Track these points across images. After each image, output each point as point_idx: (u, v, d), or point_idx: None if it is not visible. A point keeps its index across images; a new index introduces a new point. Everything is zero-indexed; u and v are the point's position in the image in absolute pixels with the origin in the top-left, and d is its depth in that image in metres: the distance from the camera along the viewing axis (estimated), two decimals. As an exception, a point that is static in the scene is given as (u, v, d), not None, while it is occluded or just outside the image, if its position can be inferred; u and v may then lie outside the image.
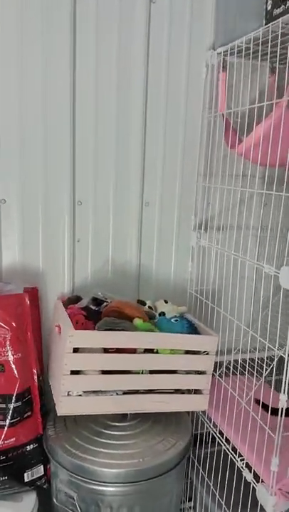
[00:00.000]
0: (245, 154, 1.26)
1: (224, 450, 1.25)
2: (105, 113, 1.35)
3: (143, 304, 1.43)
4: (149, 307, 1.42)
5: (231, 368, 1.43)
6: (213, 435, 1.36)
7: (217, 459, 1.33)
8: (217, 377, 1.39)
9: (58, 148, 1.32)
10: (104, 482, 1.10)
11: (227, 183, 1.40)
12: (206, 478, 1.38)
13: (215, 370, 1.33)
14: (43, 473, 1.26)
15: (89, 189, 1.38)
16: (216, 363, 1.33)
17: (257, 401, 1.33)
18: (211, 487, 1.34)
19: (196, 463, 1.45)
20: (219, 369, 1.41)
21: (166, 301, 1.44)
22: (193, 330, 1.30)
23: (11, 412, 1.18)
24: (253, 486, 1.09)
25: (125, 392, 1.19)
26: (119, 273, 1.46)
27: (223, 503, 1.29)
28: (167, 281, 1.53)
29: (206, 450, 1.47)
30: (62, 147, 1.32)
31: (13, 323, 1.18)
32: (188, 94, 1.42)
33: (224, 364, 1.43)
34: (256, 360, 1.52)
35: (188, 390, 1.27)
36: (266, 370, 1.36)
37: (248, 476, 1.12)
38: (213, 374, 1.33)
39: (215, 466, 1.34)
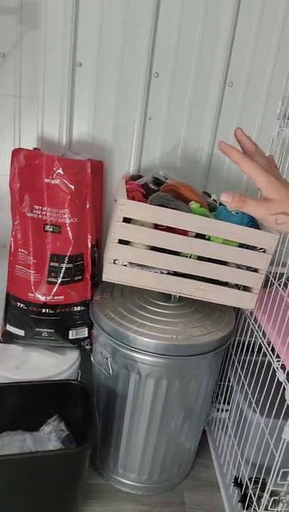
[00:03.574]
0: None
1: (268, 360, 1.19)
2: None
3: (208, 196, 1.35)
4: (213, 200, 1.34)
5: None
6: (260, 344, 1.31)
7: (259, 368, 1.29)
8: (276, 285, 1.30)
9: (138, 12, 1.22)
10: (135, 348, 1.14)
11: None
12: (246, 385, 1.36)
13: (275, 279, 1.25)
14: (87, 335, 1.35)
15: (168, 60, 1.28)
16: (280, 273, 1.25)
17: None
18: (249, 394, 1.33)
19: (239, 369, 1.43)
20: (279, 279, 1.32)
21: (234, 197, 1.34)
22: (253, 225, 1.21)
23: (62, 271, 1.26)
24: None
25: (170, 273, 1.18)
26: (189, 160, 1.38)
27: (258, 409, 1.27)
28: (240, 176, 1.42)
29: (251, 358, 1.44)
30: (144, 11, 1.22)
31: (73, 188, 1.20)
32: None
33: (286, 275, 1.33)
34: None
35: (237, 285, 1.22)
36: None
37: (281, 377, 1.08)
38: (272, 282, 1.25)
39: (256, 374, 1.31)
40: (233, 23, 1.24)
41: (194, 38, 1.26)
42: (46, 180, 1.21)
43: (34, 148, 1.30)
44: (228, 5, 1.23)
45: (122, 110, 1.31)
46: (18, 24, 1.22)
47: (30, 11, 1.21)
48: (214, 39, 1.26)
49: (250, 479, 1.34)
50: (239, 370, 1.43)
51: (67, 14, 1.21)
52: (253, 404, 1.30)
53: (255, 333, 1.33)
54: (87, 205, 1.24)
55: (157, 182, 1.27)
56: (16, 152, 1.20)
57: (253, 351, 1.48)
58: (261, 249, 1.17)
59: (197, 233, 1.15)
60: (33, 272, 1.26)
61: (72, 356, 1.36)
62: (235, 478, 1.37)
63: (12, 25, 1.22)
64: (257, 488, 1.30)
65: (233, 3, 1.22)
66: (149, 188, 1.25)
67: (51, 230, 1.25)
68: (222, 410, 1.61)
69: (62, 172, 1.19)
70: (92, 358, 1.29)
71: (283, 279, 1.33)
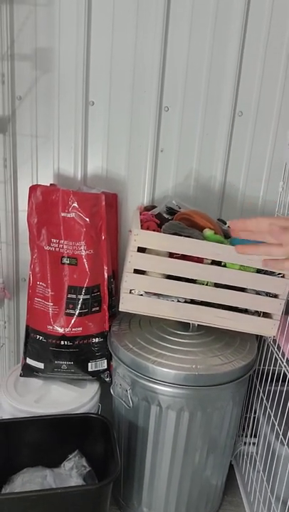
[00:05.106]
0: None
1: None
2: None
3: (223, 223, 1.36)
4: (228, 227, 1.34)
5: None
6: (284, 373, 1.27)
7: (285, 398, 1.25)
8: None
9: (147, 50, 1.27)
10: (154, 379, 1.12)
11: None
12: (272, 416, 1.31)
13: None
14: (106, 367, 1.34)
15: (177, 95, 1.31)
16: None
17: None
18: (276, 426, 1.27)
19: (264, 400, 1.38)
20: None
21: (249, 223, 1.34)
22: (270, 250, 1.20)
23: (80, 303, 1.26)
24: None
25: (187, 301, 1.17)
26: (202, 188, 1.40)
27: (285, 442, 1.22)
28: (255, 202, 1.42)
29: (276, 388, 1.39)
30: (152, 47, 1.27)
31: (88, 220, 1.22)
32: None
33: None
34: None
35: (257, 311, 1.20)
36: None
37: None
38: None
39: (282, 405, 1.27)
40: (240, 53, 1.28)
41: (202, 71, 1.30)
42: (62, 214, 1.24)
43: (51, 184, 1.34)
44: (234, 37, 1.27)
45: (134, 144, 1.35)
46: (33, 69, 1.29)
47: (45, 57, 1.28)
48: (222, 70, 1.30)
49: (281, 518, 1.27)
50: (265, 400, 1.39)
51: (79, 57, 1.27)
52: (281, 436, 1.25)
53: (279, 361, 1.29)
54: (103, 237, 1.26)
55: (171, 211, 1.28)
56: (32, 188, 1.24)
57: (278, 380, 1.43)
58: (280, 274, 1.16)
59: (213, 260, 1.14)
60: (52, 304, 1.27)
61: (92, 389, 1.34)
62: (266, 517, 1.30)
63: (28, 70, 1.29)
64: (289, 527, 1.23)
65: (239, 34, 1.26)
66: (163, 218, 1.26)
67: (68, 262, 1.26)
68: (249, 444, 1.54)
69: (77, 205, 1.21)
70: (111, 391, 1.27)
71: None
